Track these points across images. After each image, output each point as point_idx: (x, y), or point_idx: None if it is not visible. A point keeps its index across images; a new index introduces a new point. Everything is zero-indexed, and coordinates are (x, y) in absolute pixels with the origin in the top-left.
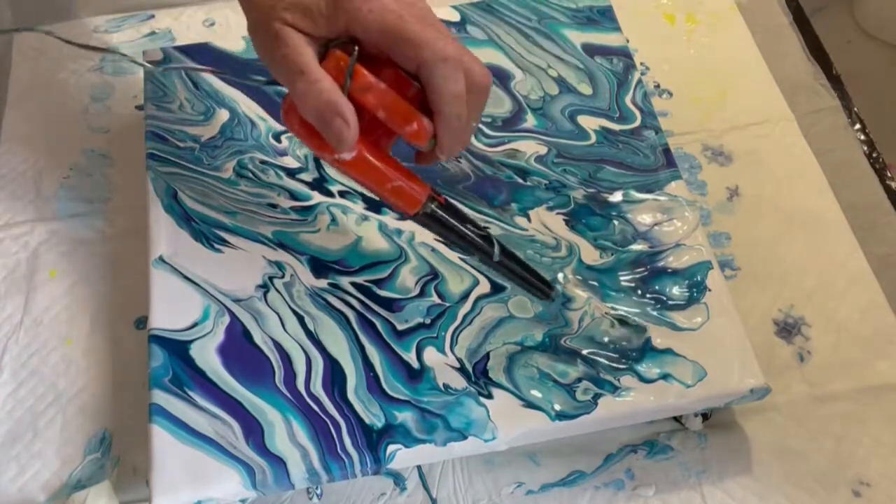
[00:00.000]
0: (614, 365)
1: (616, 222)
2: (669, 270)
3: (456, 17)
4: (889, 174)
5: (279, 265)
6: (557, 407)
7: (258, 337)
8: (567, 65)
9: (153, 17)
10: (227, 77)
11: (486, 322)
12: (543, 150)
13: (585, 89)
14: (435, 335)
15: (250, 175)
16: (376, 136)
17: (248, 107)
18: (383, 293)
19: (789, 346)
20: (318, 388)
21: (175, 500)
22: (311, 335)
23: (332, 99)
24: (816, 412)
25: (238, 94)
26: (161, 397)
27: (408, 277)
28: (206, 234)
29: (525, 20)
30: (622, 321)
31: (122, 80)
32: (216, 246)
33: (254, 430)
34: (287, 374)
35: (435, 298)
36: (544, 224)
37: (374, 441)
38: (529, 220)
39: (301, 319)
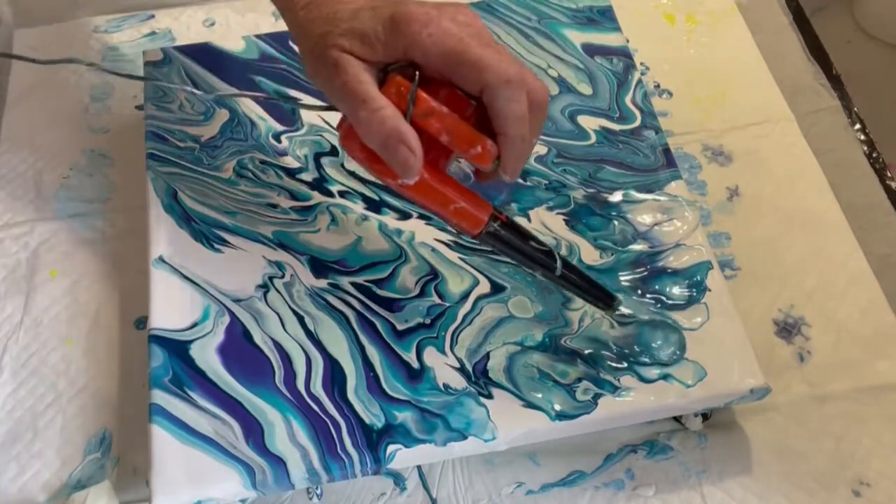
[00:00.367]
0: (614, 365)
1: (616, 222)
2: (669, 270)
3: None
4: (889, 174)
5: (279, 265)
6: (557, 407)
7: (258, 337)
8: (567, 65)
9: (153, 17)
10: (237, 95)
11: (486, 322)
12: (543, 150)
13: (585, 89)
14: (435, 335)
15: (250, 175)
16: (434, 157)
17: (247, 107)
18: (383, 293)
19: (789, 346)
20: (318, 388)
21: (175, 500)
22: (311, 335)
23: (396, 127)
24: (816, 412)
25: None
26: (161, 397)
27: (408, 277)
28: (206, 234)
29: (525, 20)
30: (654, 323)
31: (122, 81)
32: (216, 246)
33: (254, 430)
34: (287, 374)
35: (435, 298)
36: (544, 224)
37: (374, 441)
38: (529, 220)
39: (301, 319)
